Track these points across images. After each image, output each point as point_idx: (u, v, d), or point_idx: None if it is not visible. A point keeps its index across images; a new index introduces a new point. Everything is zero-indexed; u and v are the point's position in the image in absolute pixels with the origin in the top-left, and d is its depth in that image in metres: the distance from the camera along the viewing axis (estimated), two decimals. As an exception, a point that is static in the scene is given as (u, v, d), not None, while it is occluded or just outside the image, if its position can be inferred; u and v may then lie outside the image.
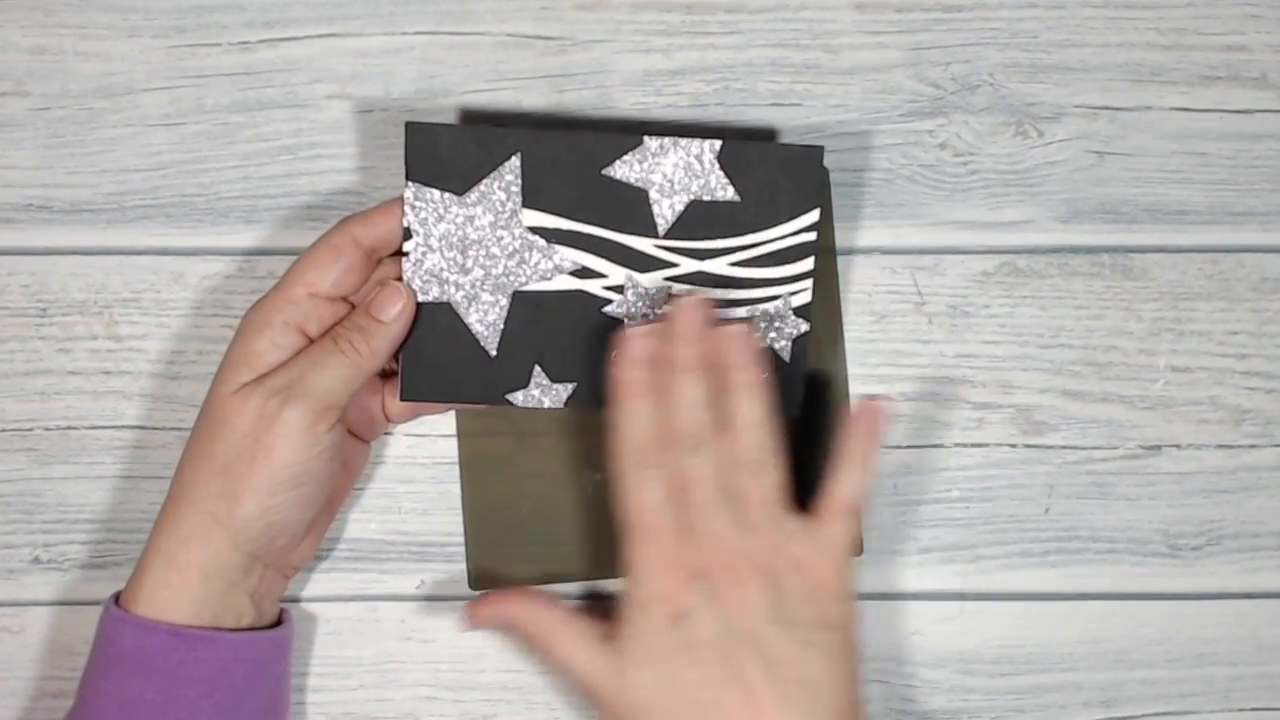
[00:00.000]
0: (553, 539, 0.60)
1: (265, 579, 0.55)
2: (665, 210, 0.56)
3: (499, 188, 0.55)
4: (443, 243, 0.55)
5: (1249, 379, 0.61)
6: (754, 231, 0.56)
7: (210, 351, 0.60)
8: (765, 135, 0.60)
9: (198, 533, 0.53)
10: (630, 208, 0.56)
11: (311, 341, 0.54)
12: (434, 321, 0.56)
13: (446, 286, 0.56)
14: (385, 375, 0.58)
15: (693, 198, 0.56)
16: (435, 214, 0.55)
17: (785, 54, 0.60)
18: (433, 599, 0.60)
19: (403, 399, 0.56)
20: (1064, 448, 0.61)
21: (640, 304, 0.56)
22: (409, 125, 0.55)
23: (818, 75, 0.60)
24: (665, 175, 0.56)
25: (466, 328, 0.56)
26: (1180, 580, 0.60)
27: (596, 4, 0.60)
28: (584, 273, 0.56)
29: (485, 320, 0.56)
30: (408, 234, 0.55)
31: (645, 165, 0.56)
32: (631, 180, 0.56)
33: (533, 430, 0.60)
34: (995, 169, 0.61)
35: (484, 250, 0.55)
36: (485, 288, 0.56)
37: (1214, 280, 0.61)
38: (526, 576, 0.60)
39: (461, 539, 0.60)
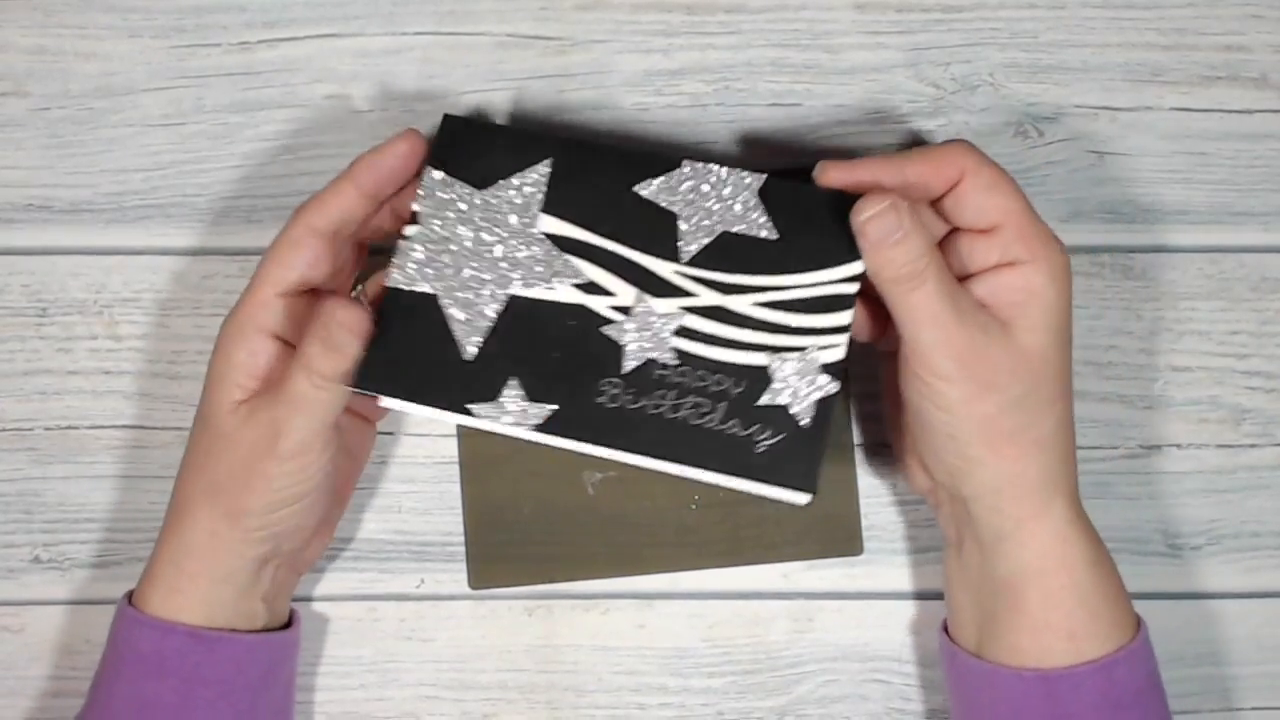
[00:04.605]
0: (553, 539, 0.60)
1: (277, 578, 0.54)
2: (692, 237, 0.52)
3: (521, 189, 0.52)
4: (446, 232, 0.52)
5: (1249, 379, 0.61)
6: (788, 274, 0.51)
7: (210, 351, 0.60)
8: (806, 172, 0.56)
9: (202, 545, 0.52)
10: (655, 228, 0.52)
11: (288, 345, 0.52)
12: (411, 312, 0.51)
13: (437, 279, 0.52)
14: None
15: (725, 229, 0.52)
16: (445, 200, 0.52)
17: (785, 54, 0.60)
18: (433, 599, 0.60)
19: (353, 386, 0.51)
20: (1064, 448, 0.61)
21: (645, 332, 0.51)
22: (447, 118, 0.53)
23: (818, 75, 0.60)
24: (699, 202, 0.52)
25: (445, 322, 0.51)
26: (1180, 580, 0.60)
27: (596, 4, 0.60)
28: (591, 287, 0.52)
29: (469, 319, 0.51)
30: (414, 218, 0.52)
31: (680, 189, 0.52)
32: (662, 202, 0.52)
33: (533, 430, 0.60)
34: (995, 169, 0.60)
35: (488, 248, 0.52)
36: (479, 285, 0.52)
37: (1214, 280, 0.61)
38: (526, 576, 0.60)
39: (461, 539, 0.60)
